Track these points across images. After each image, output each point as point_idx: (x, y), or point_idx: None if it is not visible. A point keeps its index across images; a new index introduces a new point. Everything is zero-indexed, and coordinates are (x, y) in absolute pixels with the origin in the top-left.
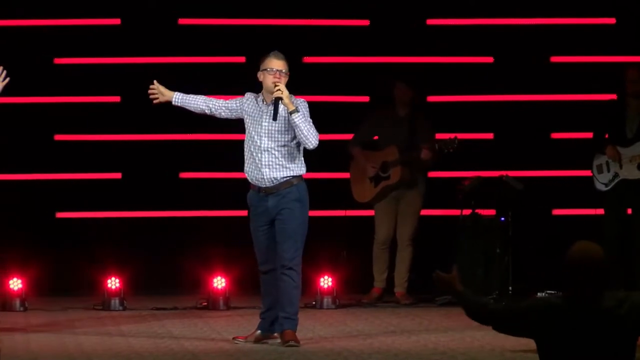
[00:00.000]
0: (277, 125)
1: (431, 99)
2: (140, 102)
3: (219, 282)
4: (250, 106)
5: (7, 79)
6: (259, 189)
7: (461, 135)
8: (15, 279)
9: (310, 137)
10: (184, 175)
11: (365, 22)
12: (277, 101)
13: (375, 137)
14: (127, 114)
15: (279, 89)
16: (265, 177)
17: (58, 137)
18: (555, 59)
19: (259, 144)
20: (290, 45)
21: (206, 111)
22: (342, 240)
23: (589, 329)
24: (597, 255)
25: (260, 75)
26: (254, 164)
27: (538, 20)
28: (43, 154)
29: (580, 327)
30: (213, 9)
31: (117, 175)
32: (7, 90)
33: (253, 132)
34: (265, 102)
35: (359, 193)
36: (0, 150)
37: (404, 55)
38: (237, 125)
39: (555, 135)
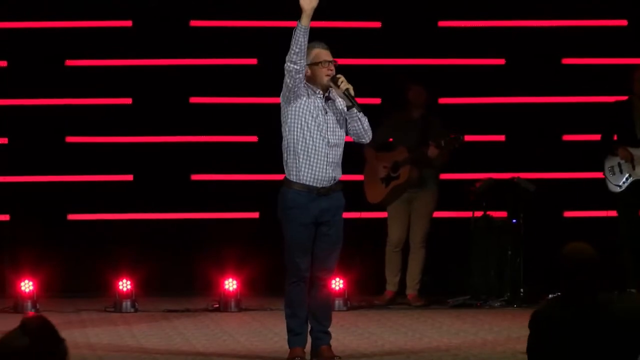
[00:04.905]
0: (339, 121)
1: (443, 100)
2: (151, 104)
3: (231, 284)
4: (306, 99)
5: None
6: (312, 189)
7: (473, 137)
8: (26, 281)
9: (370, 130)
10: (195, 177)
11: (377, 24)
12: (348, 93)
13: (390, 140)
14: (138, 116)
15: (343, 80)
16: (328, 175)
17: (69, 139)
18: (566, 60)
19: (327, 140)
20: None
21: (300, 61)
22: (355, 242)
23: (585, 328)
24: (588, 255)
25: (308, 70)
26: (317, 161)
27: (549, 22)
28: (54, 156)
29: (575, 326)
30: (225, 11)
31: (129, 177)
32: (20, 93)
33: (315, 127)
34: (322, 97)
35: (371, 194)
36: (12, 152)
37: (416, 57)
38: (248, 127)
39: (567, 137)
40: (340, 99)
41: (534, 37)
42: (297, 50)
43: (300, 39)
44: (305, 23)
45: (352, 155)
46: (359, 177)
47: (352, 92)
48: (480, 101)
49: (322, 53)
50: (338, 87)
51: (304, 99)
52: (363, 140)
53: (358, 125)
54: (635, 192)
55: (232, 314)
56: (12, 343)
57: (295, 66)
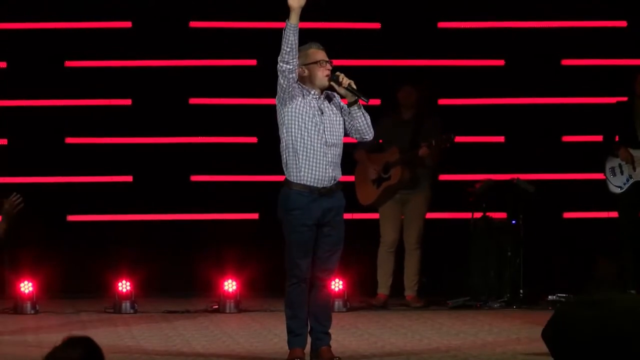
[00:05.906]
0: (336, 121)
1: (442, 102)
2: (151, 105)
3: (230, 285)
4: (301, 99)
5: (20, 206)
6: (313, 190)
7: (472, 138)
8: (26, 282)
9: (371, 127)
10: (195, 178)
11: (377, 25)
12: (351, 87)
13: (380, 141)
14: (138, 117)
15: (343, 77)
16: (328, 175)
17: (69, 139)
18: (566, 62)
19: (324, 140)
20: None
21: (292, 60)
22: (353, 243)
23: (595, 321)
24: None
25: (305, 70)
26: (316, 161)
27: (549, 23)
28: (54, 157)
29: (589, 321)
30: (224, 12)
31: (128, 178)
32: (19, 93)
33: (312, 128)
34: (318, 97)
35: (363, 195)
36: (11, 153)
37: (415, 58)
38: (247, 128)
39: (567, 138)
40: (337, 97)
41: (534, 38)
42: (288, 49)
43: (290, 38)
44: (294, 21)
45: (346, 156)
46: (351, 179)
47: (354, 85)
48: (480, 102)
49: (319, 53)
50: (340, 84)
51: (299, 99)
52: (366, 137)
53: (362, 122)
54: (636, 193)
55: (231, 315)
56: (66, 355)
57: (288, 66)
